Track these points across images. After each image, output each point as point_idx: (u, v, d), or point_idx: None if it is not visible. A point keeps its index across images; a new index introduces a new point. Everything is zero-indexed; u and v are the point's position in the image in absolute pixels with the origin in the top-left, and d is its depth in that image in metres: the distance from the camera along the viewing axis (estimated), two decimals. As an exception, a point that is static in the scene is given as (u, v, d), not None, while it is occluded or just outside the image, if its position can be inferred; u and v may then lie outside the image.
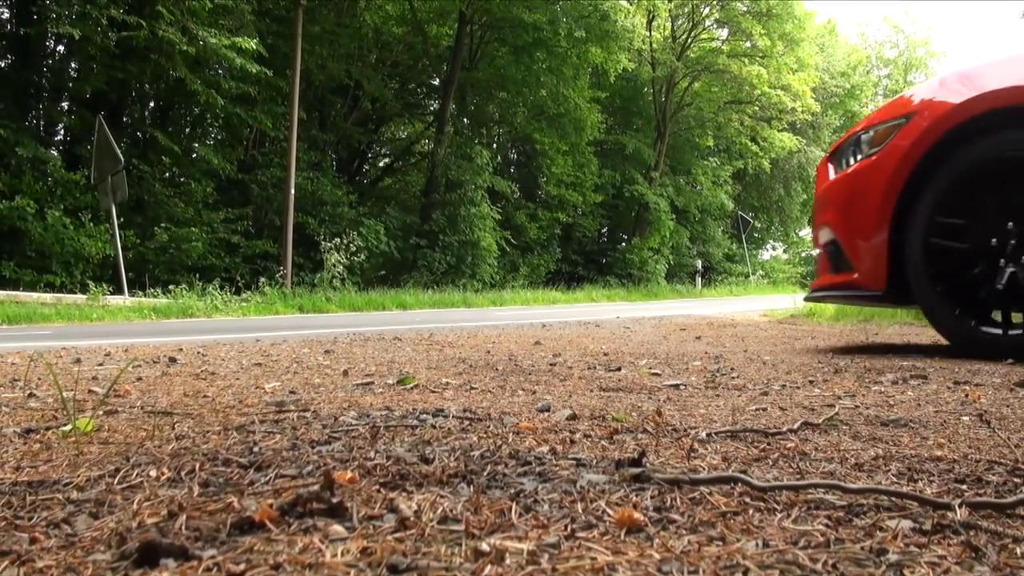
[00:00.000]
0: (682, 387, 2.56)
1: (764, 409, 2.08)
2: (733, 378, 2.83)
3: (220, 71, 20.39)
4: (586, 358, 3.62)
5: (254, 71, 18.31)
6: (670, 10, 33.13)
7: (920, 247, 3.69)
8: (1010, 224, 3.50)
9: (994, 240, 3.54)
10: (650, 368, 3.15)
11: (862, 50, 50.62)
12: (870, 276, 3.81)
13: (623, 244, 33.01)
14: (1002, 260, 3.50)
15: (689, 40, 34.03)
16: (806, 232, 40.96)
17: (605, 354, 3.86)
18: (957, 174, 3.61)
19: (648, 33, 31.62)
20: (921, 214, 3.68)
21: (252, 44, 17.76)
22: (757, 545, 0.92)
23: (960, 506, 1.08)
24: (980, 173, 3.58)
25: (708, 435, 1.65)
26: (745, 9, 33.22)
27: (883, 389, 2.54)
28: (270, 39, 21.45)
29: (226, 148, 23.12)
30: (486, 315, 11.66)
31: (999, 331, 3.61)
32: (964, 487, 1.25)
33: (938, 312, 3.75)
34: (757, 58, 33.19)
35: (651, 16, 31.87)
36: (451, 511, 1.03)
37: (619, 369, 3.13)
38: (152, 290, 15.05)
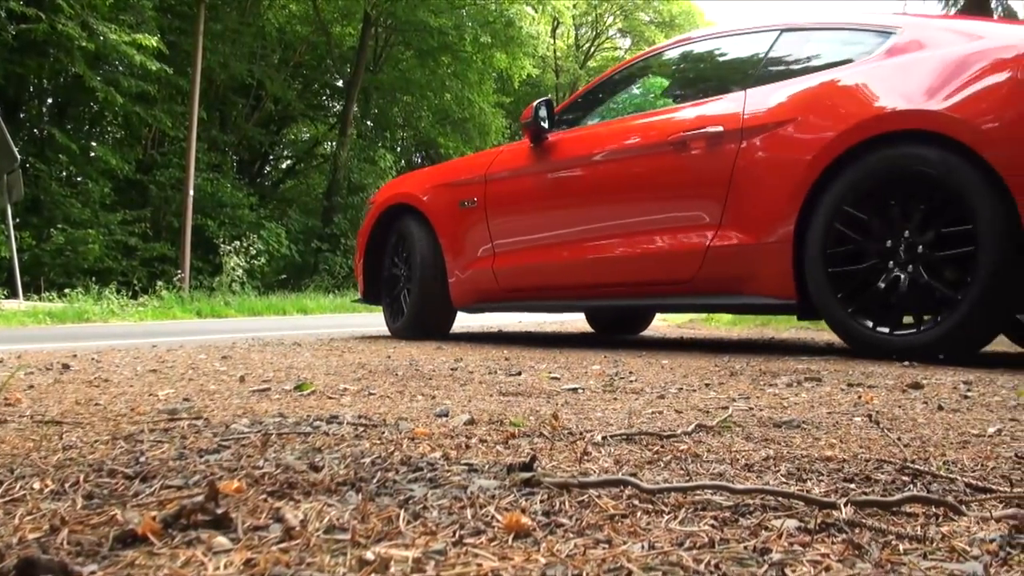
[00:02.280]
0: (581, 391, 2.58)
1: (660, 412, 2.10)
2: (631, 382, 2.86)
3: (120, 68, 19.94)
4: (487, 362, 3.63)
5: (154, 69, 17.91)
6: (574, 18, 33.48)
7: (380, 276, 5.96)
8: (415, 257, 5.67)
9: (404, 272, 5.76)
10: (550, 372, 3.17)
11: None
12: (361, 290, 6.15)
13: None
14: (406, 290, 5.69)
15: (592, 49, 34.46)
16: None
17: (506, 359, 3.87)
18: (395, 238, 5.86)
19: (552, 40, 31.92)
20: (381, 257, 5.99)
21: (153, 41, 17.36)
22: (643, 547, 0.93)
23: (846, 505, 1.11)
24: (399, 239, 5.82)
25: (603, 438, 1.66)
26: (648, 19, 33.75)
27: (777, 391, 2.59)
28: (171, 36, 21.04)
29: (124, 148, 22.60)
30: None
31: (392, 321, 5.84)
32: (852, 486, 1.28)
33: (386, 309, 5.89)
34: (660, 66, 33.70)
35: (555, 24, 32.19)
36: (338, 520, 1.02)
37: (519, 374, 3.14)
38: (48, 293, 14.58)
